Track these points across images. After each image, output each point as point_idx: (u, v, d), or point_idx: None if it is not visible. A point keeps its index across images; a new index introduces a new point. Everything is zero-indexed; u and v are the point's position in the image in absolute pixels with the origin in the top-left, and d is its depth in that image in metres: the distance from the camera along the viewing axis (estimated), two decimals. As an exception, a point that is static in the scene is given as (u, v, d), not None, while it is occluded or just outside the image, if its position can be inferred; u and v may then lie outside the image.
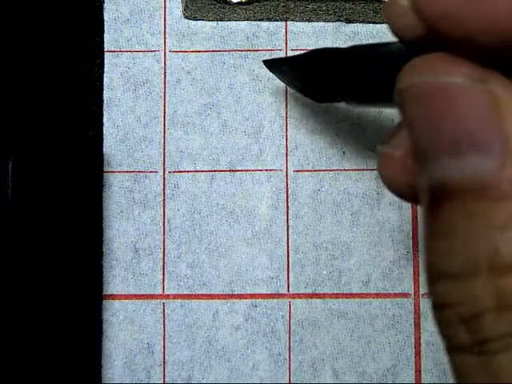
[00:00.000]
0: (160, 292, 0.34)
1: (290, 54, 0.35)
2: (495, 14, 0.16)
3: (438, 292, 0.18)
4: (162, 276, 0.34)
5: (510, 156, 0.17)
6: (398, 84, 0.19)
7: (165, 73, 0.35)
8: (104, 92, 0.35)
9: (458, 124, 0.17)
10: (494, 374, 0.17)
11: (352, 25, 0.35)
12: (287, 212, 0.34)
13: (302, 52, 0.30)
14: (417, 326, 0.34)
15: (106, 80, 0.35)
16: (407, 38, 0.19)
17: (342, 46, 0.35)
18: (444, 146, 0.18)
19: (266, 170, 0.35)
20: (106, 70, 0.35)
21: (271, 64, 0.33)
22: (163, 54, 0.35)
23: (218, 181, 0.35)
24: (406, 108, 0.18)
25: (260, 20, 0.35)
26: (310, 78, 0.29)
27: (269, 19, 0.35)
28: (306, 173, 0.35)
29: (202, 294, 0.34)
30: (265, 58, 0.33)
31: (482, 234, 0.17)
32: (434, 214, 0.18)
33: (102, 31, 0.35)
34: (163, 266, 0.34)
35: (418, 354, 0.34)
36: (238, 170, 0.35)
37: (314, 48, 0.30)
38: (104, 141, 0.35)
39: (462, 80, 0.17)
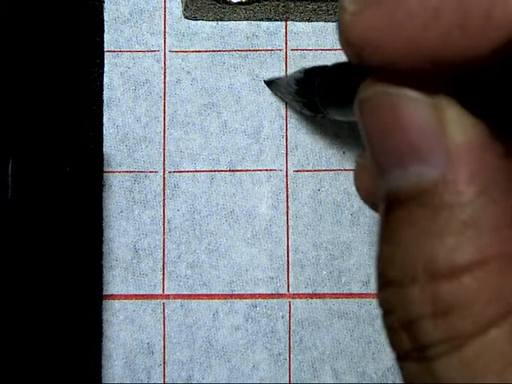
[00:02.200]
0: (160, 292, 0.34)
1: (290, 54, 0.35)
2: (409, 40, 0.17)
3: (383, 299, 0.19)
4: (161, 276, 0.34)
5: (451, 167, 0.17)
6: (357, 96, 0.19)
7: (165, 73, 0.35)
8: (104, 92, 0.35)
9: (403, 135, 0.18)
10: (435, 380, 0.17)
11: (352, 25, 0.35)
12: (287, 212, 0.34)
13: (294, 71, 0.32)
14: (417, 326, 0.34)
15: (105, 80, 0.35)
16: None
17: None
18: (392, 156, 0.18)
19: (266, 170, 0.35)
20: (105, 69, 0.35)
21: (270, 83, 0.34)
22: (163, 54, 0.35)
23: (217, 181, 0.35)
24: (361, 119, 0.19)
25: (260, 20, 0.35)
26: (301, 94, 0.31)
27: (269, 19, 0.35)
28: (305, 173, 0.35)
29: (201, 294, 0.34)
30: (265, 79, 0.35)
31: (421, 240, 0.18)
32: (385, 221, 0.19)
33: (102, 31, 0.35)
34: (163, 266, 0.34)
35: (417, 354, 0.34)
36: (238, 170, 0.35)
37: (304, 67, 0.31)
38: (104, 141, 0.35)
39: (410, 92, 0.18)
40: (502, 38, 0.16)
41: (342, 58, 0.35)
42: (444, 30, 0.16)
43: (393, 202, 0.18)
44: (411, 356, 0.18)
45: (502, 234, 0.17)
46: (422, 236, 0.17)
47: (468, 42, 0.16)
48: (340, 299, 0.34)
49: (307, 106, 0.31)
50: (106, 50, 0.35)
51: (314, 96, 0.29)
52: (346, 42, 0.18)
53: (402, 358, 0.18)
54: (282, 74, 0.35)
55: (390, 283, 0.18)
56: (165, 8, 0.35)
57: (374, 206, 0.23)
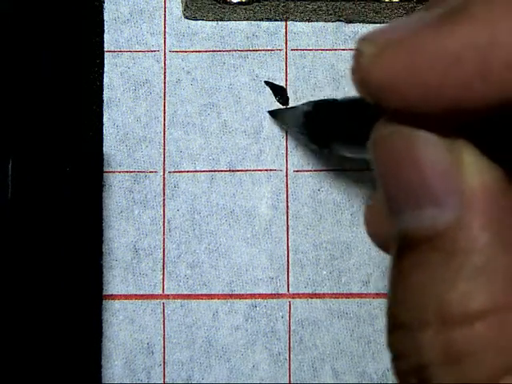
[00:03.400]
0: (160, 292, 0.34)
1: (290, 54, 0.35)
2: (429, 85, 0.17)
3: (393, 342, 0.18)
4: (161, 276, 0.34)
5: (466, 211, 0.17)
6: (371, 136, 0.19)
7: (165, 73, 0.35)
8: (104, 92, 0.35)
9: (419, 177, 0.18)
10: None
11: (352, 25, 0.35)
12: (287, 212, 0.34)
13: (302, 103, 0.32)
14: (417, 326, 0.34)
15: (106, 80, 0.35)
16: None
17: (342, 47, 0.35)
18: (406, 198, 0.18)
19: (266, 170, 0.35)
20: (106, 69, 0.35)
21: (275, 114, 0.34)
22: (163, 54, 0.35)
23: (217, 181, 0.35)
24: (376, 159, 0.19)
25: (260, 20, 0.35)
26: (308, 127, 0.31)
27: (269, 19, 0.35)
28: (305, 173, 0.35)
29: (201, 294, 0.34)
30: (269, 109, 0.35)
31: (434, 285, 0.17)
32: (397, 264, 0.19)
33: (102, 31, 0.35)
34: (163, 266, 0.34)
35: (417, 354, 0.34)
36: (238, 170, 0.35)
37: (312, 100, 0.31)
38: (104, 141, 0.35)
39: (426, 134, 0.18)
40: None
41: (341, 58, 0.35)
42: (465, 79, 0.16)
43: (405, 245, 0.18)
44: None
45: None
46: (435, 280, 0.17)
47: (489, 90, 0.16)
48: (340, 299, 0.34)
49: (313, 139, 0.31)
50: (106, 50, 0.35)
51: (322, 130, 0.29)
52: (363, 84, 0.18)
53: None
54: (282, 74, 0.35)
55: (402, 326, 0.18)
56: (165, 8, 0.35)
57: (384, 248, 0.23)
